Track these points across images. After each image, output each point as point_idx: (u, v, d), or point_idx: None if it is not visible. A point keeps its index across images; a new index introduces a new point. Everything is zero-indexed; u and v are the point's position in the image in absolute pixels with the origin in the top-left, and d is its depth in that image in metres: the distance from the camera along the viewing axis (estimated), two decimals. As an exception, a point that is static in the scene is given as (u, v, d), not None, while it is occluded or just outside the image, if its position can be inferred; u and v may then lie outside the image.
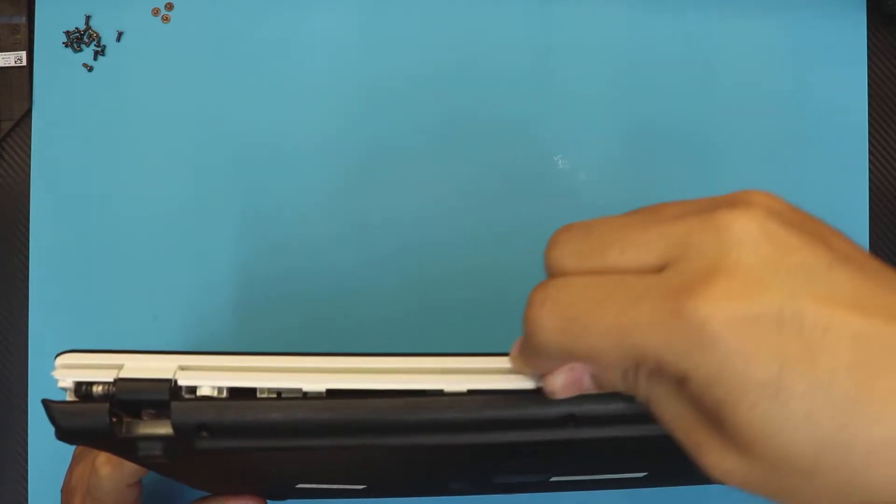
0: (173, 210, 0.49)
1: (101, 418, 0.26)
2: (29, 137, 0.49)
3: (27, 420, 0.48)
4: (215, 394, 0.27)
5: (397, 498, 0.47)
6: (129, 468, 0.38)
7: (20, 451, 0.48)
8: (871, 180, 0.50)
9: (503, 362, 0.27)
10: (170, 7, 0.50)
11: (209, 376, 0.27)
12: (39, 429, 0.48)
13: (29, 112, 0.49)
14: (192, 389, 0.27)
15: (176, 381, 0.27)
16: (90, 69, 0.50)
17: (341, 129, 0.49)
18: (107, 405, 0.26)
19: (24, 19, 0.49)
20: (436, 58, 0.50)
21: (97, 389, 0.27)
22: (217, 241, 0.49)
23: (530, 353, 0.24)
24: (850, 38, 0.51)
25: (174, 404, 0.26)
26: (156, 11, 0.50)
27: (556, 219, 0.49)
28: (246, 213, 0.49)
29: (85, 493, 0.39)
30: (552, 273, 0.24)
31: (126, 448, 0.28)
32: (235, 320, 0.48)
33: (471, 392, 0.26)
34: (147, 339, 0.48)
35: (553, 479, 0.39)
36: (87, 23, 0.50)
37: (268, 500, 0.45)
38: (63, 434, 0.27)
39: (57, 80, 0.49)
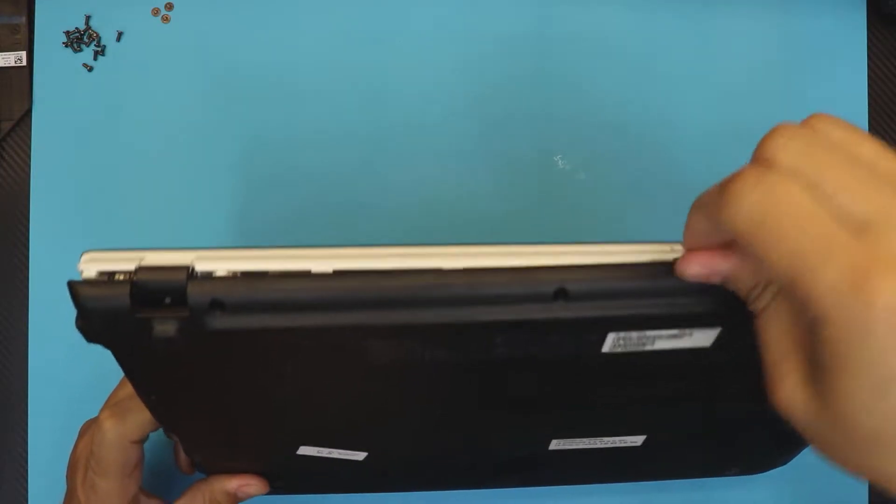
0: (173, 210, 0.49)
1: (122, 297, 0.28)
2: (29, 137, 0.49)
3: (27, 420, 0.48)
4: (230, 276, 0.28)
5: (397, 493, 0.48)
6: (134, 423, 0.39)
7: (20, 450, 0.48)
8: (870, 180, 0.50)
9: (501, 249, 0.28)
10: (170, 7, 0.50)
11: (224, 262, 0.28)
12: (39, 428, 0.48)
13: (29, 112, 0.49)
14: (209, 275, 0.28)
15: (193, 268, 0.28)
16: (90, 69, 0.50)
17: (341, 129, 0.49)
18: (128, 287, 0.28)
19: (24, 19, 0.49)
20: (435, 57, 0.50)
21: (119, 278, 0.29)
22: (217, 241, 0.49)
23: (704, 215, 0.26)
24: (850, 38, 0.51)
25: (190, 282, 0.27)
26: (156, 11, 0.50)
27: (556, 219, 0.49)
28: (247, 215, 0.49)
29: (88, 456, 0.40)
30: (765, 157, 0.25)
31: (142, 330, 0.29)
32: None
33: (466, 270, 0.28)
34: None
35: (553, 446, 0.39)
36: (87, 23, 0.50)
37: (268, 495, 0.45)
38: (85, 315, 0.29)
39: (57, 80, 0.50)
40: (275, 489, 0.44)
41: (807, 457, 0.49)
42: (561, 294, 0.28)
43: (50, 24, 0.50)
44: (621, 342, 0.30)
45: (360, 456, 0.40)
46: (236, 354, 0.31)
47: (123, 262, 0.29)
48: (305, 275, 0.28)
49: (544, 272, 0.28)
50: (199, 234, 0.49)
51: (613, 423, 0.39)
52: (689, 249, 0.27)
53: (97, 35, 0.50)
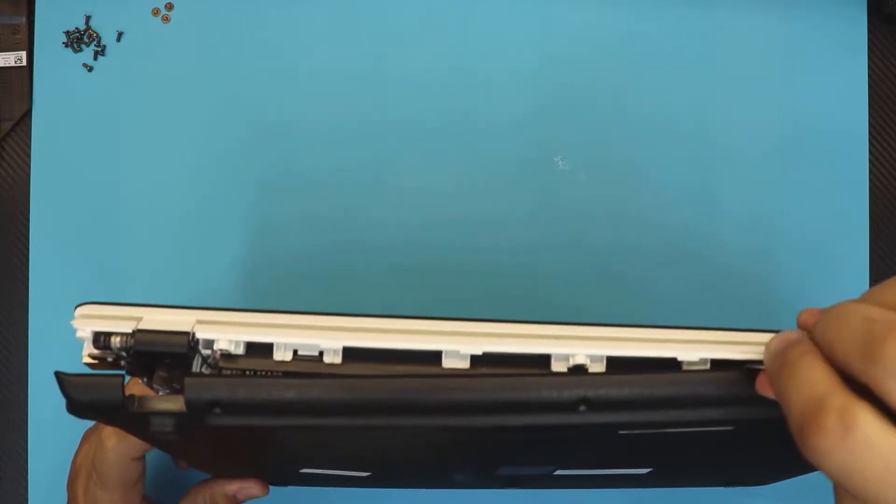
0: (173, 210, 0.49)
1: (115, 392, 0.26)
2: (29, 137, 0.49)
3: (27, 420, 0.48)
4: (232, 349, 0.27)
5: (399, 489, 0.48)
6: (135, 441, 0.38)
7: (20, 450, 0.48)
8: (871, 181, 0.50)
9: (519, 328, 0.27)
10: (170, 7, 0.50)
11: (227, 330, 0.26)
12: (39, 430, 0.48)
13: (29, 112, 0.49)
14: (210, 344, 0.26)
15: (194, 335, 0.26)
16: (90, 69, 0.50)
17: (341, 129, 0.49)
18: (120, 379, 0.26)
19: (24, 19, 0.49)
20: (436, 57, 0.50)
21: (115, 340, 0.27)
22: (218, 244, 0.49)
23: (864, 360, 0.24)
24: (850, 39, 0.51)
25: (187, 380, 0.26)
26: (156, 11, 0.50)
27: (556, 219, 0.49)
28: (247, 214, 0.49)
29: (90, 469, 0.40)
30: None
31: (138, 423, 0.27)
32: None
33: (485, 354, 0.27)
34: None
35: (557, 472, 0.39)
36: (87, 23, 0.50)
37: (270, 486, 0.45)
38: (74, 407, 0.27)
39: (57, 80, 0.49)
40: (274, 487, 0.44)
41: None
42: (583, 405, 0.27)
43: (50, 24, 0.50)
44: (635, 431, 0.29)
45: (363, 475, 0.40)
46: (237, 436, 0.30)
47: (120, 323, 0.27)
48: (313, 358, 0.27)
49: (568, 382, 0.26)
50: (201, 234, 0.49)
51: (619, 460, 0.38)
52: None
53: (97, 35, 0.50)
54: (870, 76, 0.51)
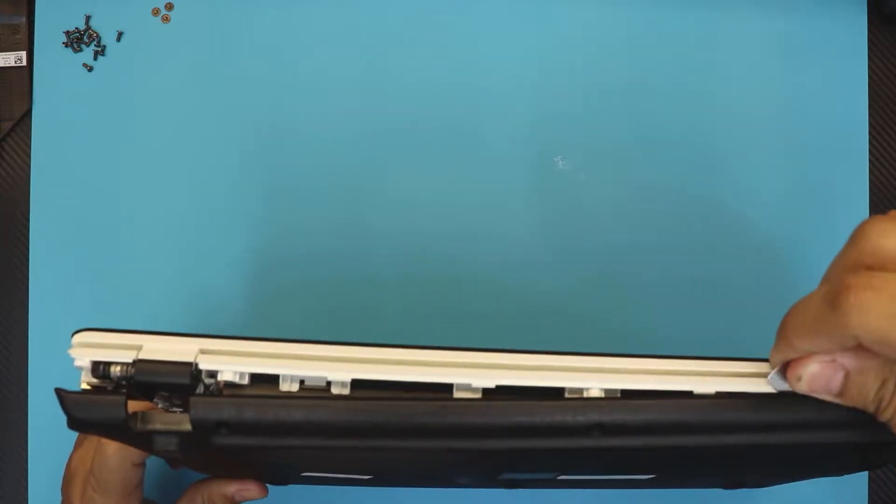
0: (174, 210, 0.49)
1: (117, 411, 0.25)
2: (29, 137, 0.49)
3: (27, 419, 0.48)
4: (237, 379, 0.26)
5: (400, 488, 0.47)
6: (136, 448, 0.38)
7: (20, 450, 0.48)
8: (871, 180, 0.50)
9: (532, 359, 0.27)
10: (170, 7, 0.50)
11: (231, 361, 0.26)
12: (39, 428, 0.48)
13: (29, 112, 0.49)
14: (213, 374, 0.26)
15: (197, 365, 0.25)
16: (90, 69, 0.50)
17: (341, 129, 0.49)
18: (123, 398, 0.25)
19: (24, 19, 0.49)
20: (436, 57, 0.50)
21: (115, 370, 0.26)
22: (218, 242, 0.49)
23: (819, 331, 0.25)
24: (850, 38, 0.51)
25: (193, 399, 0.25)
26: (156, 11, 0.50)
27: (556, 219, 0.49)
28: (247, 214, 0.49)
29: (87, 474, 0.39)
30: (867, 252, 0.24)
31: (141, 441, 0.27)
32: (240, 322, 0.48)
33: (499, 388, 0.26)
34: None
35: (561, 477, 0.39)
36: (87, 23, 0.50)
37: (269, 486, 0.45)
38: (75, 424, 0.26)
39: (57, 80, 0.49)
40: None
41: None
42: (598, 427, 0.26)
43: (50, 24, 0.50)
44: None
45: (364, 479, 0.40)
46: (242, 451, 0.29)
47: (119, 352, 0.26)
48: (320, 385, 0.26)
49: (583, 406, 0.26)
50: (200, 234, 0.49)
51: (624, 469, 0.37)
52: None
53: (97, 35, 0.50)
54: (870, 76, 0.51)
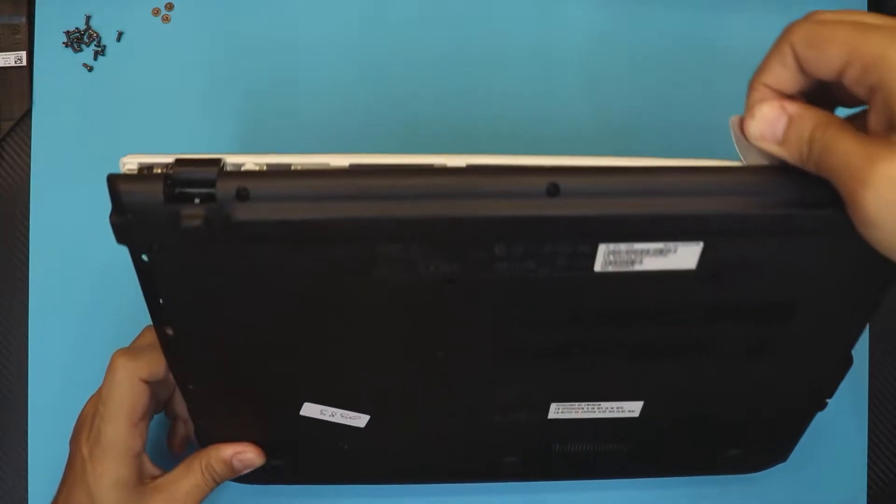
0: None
1: (156, 190, 0.30)
2: (29, 137, 0.49)
3: (27, 419, 0.48)
4: (256, 169, 0.31)
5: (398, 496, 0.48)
6: (144, 361, 0.40)
7: (20, 449, 0.48)
8: (870, 180, 0.50)
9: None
10: (170, 7, 0.50)
11: (253, 158, 0.31)
12: (39, 427, 0.48)
13: (29, 112, 0.49)
14: (238, 166, 0.31)
15: (224, 160, 0.31)
16: (90, 69, 0.50)
17: (342, 130, 0.49)
18: (161, 180, 0.30)
19: (24, 19, 0.49)
20: (436, 57, 0.50)
21: (157, 170, 0.31)
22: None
23: (770, 55, 0.32)
24: (849, 39, 0.51)
25: (219, 171, 0.30)
26: (156, 11, 0.50)
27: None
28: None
29: (94, 417, 0.40)
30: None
31: (172, 221, 0.30)
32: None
33: (468, 167, 0.31)
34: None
35: (552, 414, 0.40)
36: (87, 23, 0.50)
37: (269, 486, 0.45)
38: (120, 209, 0.31)
39: (57, 80, 0.50)
40: (274, 469, 0.43)
41: (808, 457, 0.49)
42: (553, 190, 0.30)
43: (50, 24, 0.50)
44: (612, 257, 0.32)
45: (363, 420, 0.40)
46: (254, 262, 0.32)
47: (161, 158, 0.31)
48: (324, 169, 0.31)
49: (538, 171, 0.30)
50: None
51: (610, 382, 0.40)
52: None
53: (97, 35, 0.50)
54: (869, 76, 0.51)
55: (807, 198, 0.30)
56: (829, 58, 0.30)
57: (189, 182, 0.30)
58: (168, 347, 0.37)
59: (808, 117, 0.30)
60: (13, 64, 0.49)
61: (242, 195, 0.30)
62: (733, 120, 0.33)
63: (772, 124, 0.31)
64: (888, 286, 0.35)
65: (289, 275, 0.33)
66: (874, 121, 0.29)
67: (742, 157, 0.33)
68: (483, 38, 0.50)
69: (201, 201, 0.30)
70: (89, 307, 0.48)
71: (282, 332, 0.36)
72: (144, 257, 0.33)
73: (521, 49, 0.50)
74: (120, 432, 0.40)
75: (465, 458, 0.45)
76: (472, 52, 0.50)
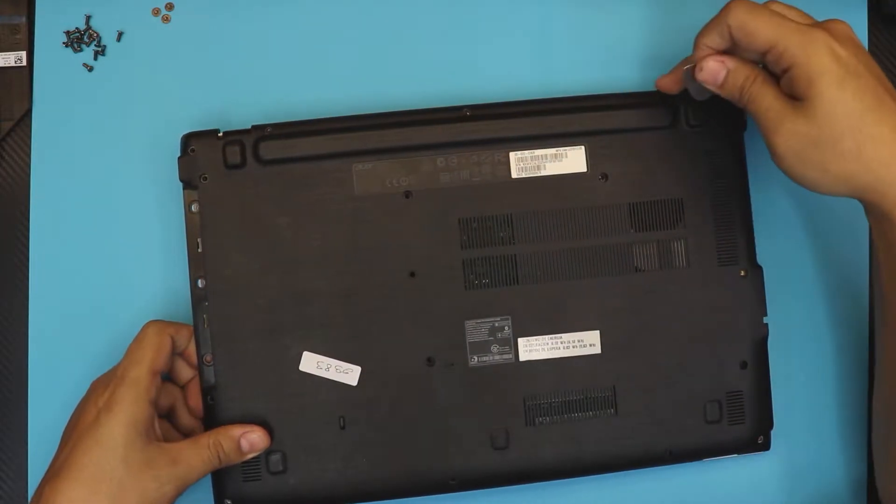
0: (173, 210, 0.49)
1: (212, 135, 0.46)
2: (29, 137, 0.49)
3: (27, 418, 0.48)
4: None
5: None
6: (173, 326, 0.44)
7: (20, 448, 0.48)
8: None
9: None
10: (170, 7, 0.50)
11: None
12: (39, 426, 0.48)
13: (29, 112, 0.49)
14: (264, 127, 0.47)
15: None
16: (90, 69, 0.50)
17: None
18: (214, 133, 0.46)
19: (24, 19, 0.49)
20: (436, 58, 0.50)
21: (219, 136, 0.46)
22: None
23: (710, 26, 0.42)
24: (850, 38, 0.51)
25: (249, 129, 0.46)
26: (156, 11, 0.50)
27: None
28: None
29: (109, 377, 0.43)
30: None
31: (221, 155, 0.46)
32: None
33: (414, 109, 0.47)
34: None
35: (522, 355, 0.46)
36: (87, 23, 0.50)
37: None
38: (187, 148, 0.46)
39: (57, 80, 0.50)
40: (275, 467, 0.45)
41: (808, 458, 0.49)
42: (468, 117, 0.46)
43: (50, 24, 0.50)
44: (521, 164, 0.46)
45: (355, 374, 0.45)
46: (272, 191, 0.46)
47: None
48: (312, 119, 0.47)
49: (459, 107, 0.47)
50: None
51: (563, 310, 0.46)
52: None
53: (97, 35, 0.50)
54: (870, 76, 0.51)
55: (649, 122, 0.47)
56: (756, 44, 0.41)
57: (229, 134, 0.46)
58: (199, 302, 0.45)
59: (741, 71, 0.42)
60: (13, 64, 0.49)
61: (265, 135, 0.46)
62: (686, 69, 0.44)
63: (714, 74, 0.42)
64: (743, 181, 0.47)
65: (296, 193, 0.46)
66: (785, 87, 0.41)
67: (692, 94, 0.46)
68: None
69: (237, 146, 0.45)
70: (89, 307, 0.48)
71: (295, 249, 0.46)
72: (193, 208, 0.45)
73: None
74: (143, 374, 0.42)
75: (451, 452, 0.46)
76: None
